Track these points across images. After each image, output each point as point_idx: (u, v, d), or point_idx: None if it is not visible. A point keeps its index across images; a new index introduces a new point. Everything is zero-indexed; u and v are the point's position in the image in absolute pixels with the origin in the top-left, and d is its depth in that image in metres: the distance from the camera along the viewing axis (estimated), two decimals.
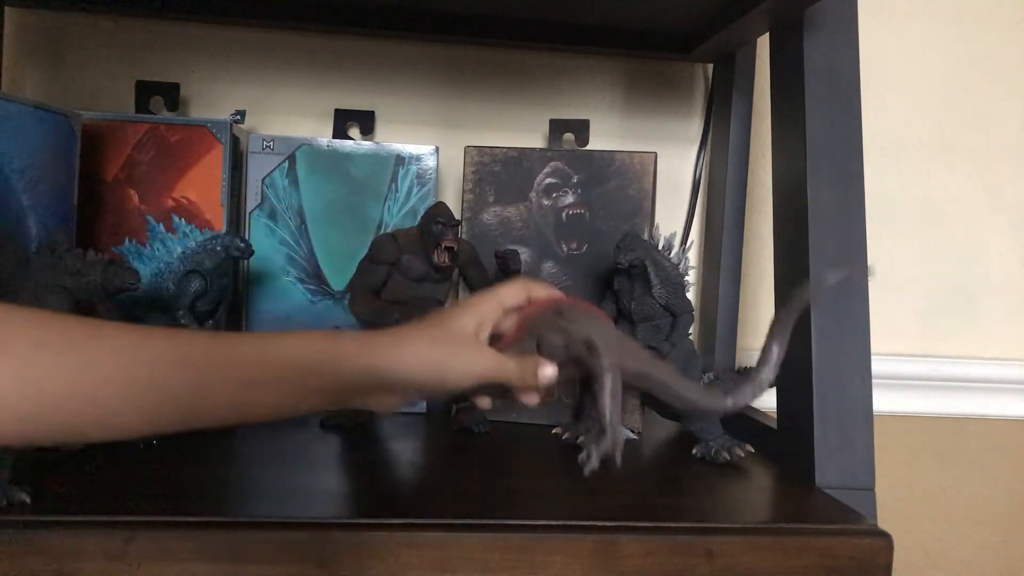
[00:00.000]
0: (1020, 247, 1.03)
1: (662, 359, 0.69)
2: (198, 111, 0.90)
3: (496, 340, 0.55)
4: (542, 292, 0.55)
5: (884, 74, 1.00)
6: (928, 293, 1.02)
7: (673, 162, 0.96)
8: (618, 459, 0.49)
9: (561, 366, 0.54)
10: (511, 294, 0.54)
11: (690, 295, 0.71)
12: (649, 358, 0.56)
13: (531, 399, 0.53)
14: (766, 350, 0.56)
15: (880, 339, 0.96)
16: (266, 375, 0.43)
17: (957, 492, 1.03)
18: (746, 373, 0.75)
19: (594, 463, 0.49)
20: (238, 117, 0.80)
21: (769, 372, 0.55)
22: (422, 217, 0.76)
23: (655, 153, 0.84)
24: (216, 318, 0.71)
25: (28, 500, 0.48)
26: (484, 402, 0.54)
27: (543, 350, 0.54)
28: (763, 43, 0.86)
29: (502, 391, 0.53)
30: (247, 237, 0.80)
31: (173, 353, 0.41)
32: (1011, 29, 1.01)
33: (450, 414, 0.81)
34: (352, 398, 0.47)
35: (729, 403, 0.55)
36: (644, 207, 0.83)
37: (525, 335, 0.55)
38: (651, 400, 0.71)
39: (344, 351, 0.45)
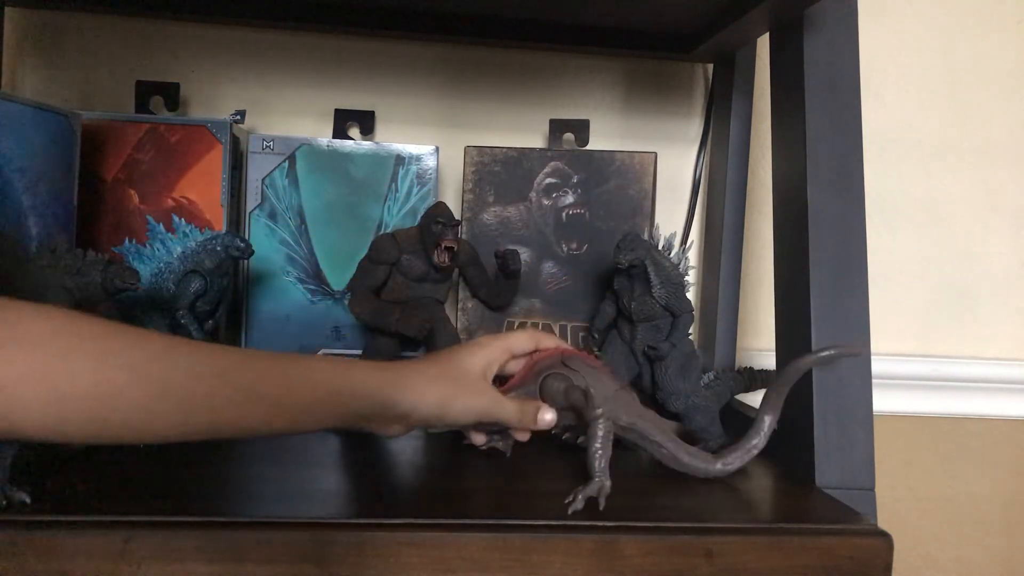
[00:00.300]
0: (1020, 247, 1.03)
1: (662, 359, 0.70)
2: (198, 111, 0.90)
3: (503, 380, 0.60)
4: (550, 342, 0.60)
5: (884, 74, 1.00)
6: (928, 293, 1.02)
7: (673, 162, 0.96)
8: (601, 504, 0.54)
9: (559, 411, 0.60)
10: (520, 341, 0.59)
11: (690, 295, 0.71)
12: (645, 414, 0.60)
13: (523, 437, 0.59)
14: (759, 419, 0.61)
15: (880, 339, 0.96)
16: (293, 397, 0.46)
17: (957, 492, 1.03)
18: (746, 373, 0.75)
19: (578, 505, 0.53)
20: (238, 117, 0.80)
21: (760, 440, 0.62)
22: (422, 217, 0.76)
23: (655, 153, 0.84)
24: (216, 318, 0.71)
25: (28, 500, 0.48)
26: (479, 438, 0.60)
27: (544, 393, 0.60)
28: (763, 43, 0.86)
29: (500, 428, 0.59)
30: (247, 237, 0.80)
31: (210, 364, 0.44)
32: (1011, 29, 1.01)
33: None
34: (362, 423, 0.51)
35: (719, 467, 0.61)
36: (644, 207, 0.83)
37: (530, 378, 0.61)
38: (651, 399, 0.71)
39: (363, 382, 0.50)
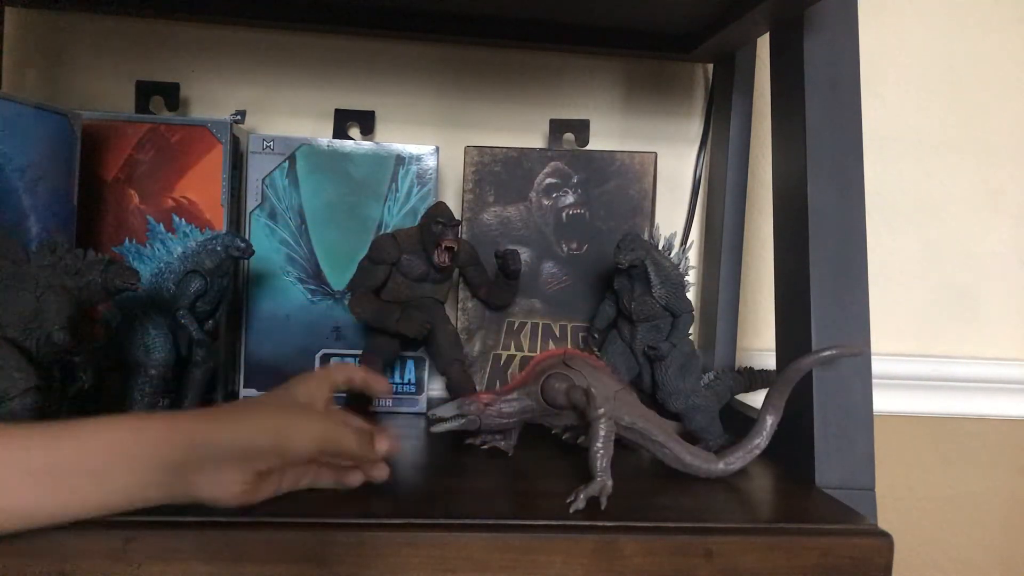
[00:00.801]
0: (1020, 247, 1.03)
1: (662, 359, 0.70)
2: (198, 111, 0.90)
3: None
4: (359, 374, 0.58)
5: (884, 73, 1.00)
6: (928, 293, 1.02)
7: (673, 162, 0.96)
8: (603, 503, 0.54)
9: (560, 410, 0.60)
10: (339, 373, 0.56)
11: (690, 295, 0.71)
12: (647, 414, 0.60)
13: (355, 479, 0.54)
14: (761, 419, 0.61)
15: (880, 339, 0.96)
16: (83, 462, 0.41)
17: (957, 492, 1.03)
18: (746, 373, 0.75)
19: (580, 504, 0.53)
20: (238, 117, 0.80)
21: (762, 440, 0.62)
22: (422, 217, 0.76)
23: (655, 153, 0.84)
24: (216, 318, 0.71)
25: None
26: (324, 475, 0.54)
27: (545, 393, 0.59)
28: (763, 43, 0.86)
29: (340, 459, 0.53)
30: (247, 237, 0.80)
31: None
32: (1011, 28, 1.01)
33: None
34: (189, 482, 0.45)
35: (721, 467, 0.61)
36: (644, 207, 0.83)
37: (532, 378, 0.60)
38: (651, 398, 0.71)
39: (172, 426, 0.44)
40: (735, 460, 0.61)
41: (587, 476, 0.55)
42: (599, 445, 0.56)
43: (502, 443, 0.67)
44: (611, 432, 0.57)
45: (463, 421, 0.60)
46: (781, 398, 0.62)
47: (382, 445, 0.53)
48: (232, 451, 0.45)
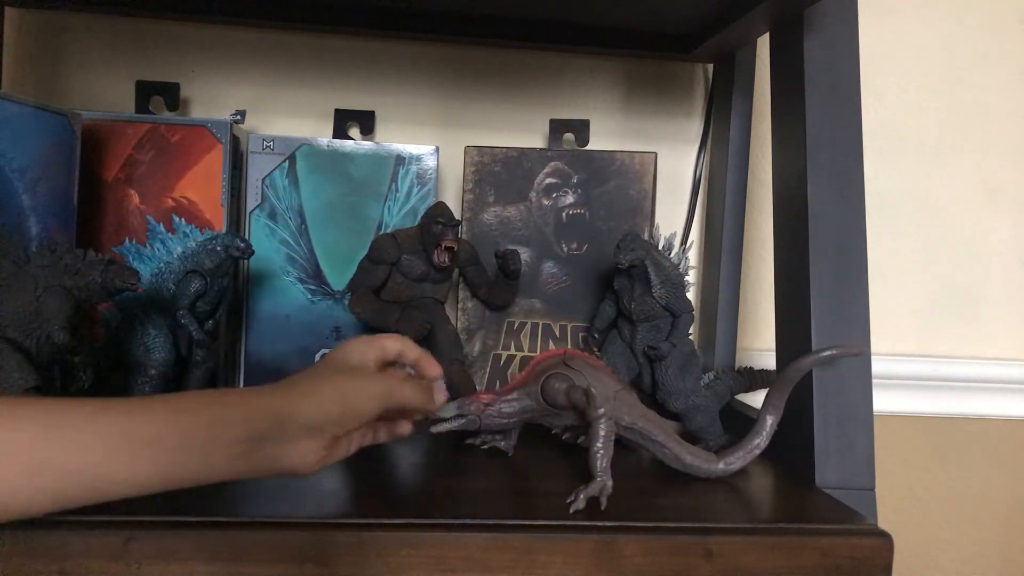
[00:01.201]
0: (1020, 246, 1.03)
1: (662, 359, 0.70)
2: (198, 111, 0.90)
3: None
4: (413, 352, 0.57)
5: (884, 74, 1.00)
6: (928, 293, 1.02)
7: (673, 162, 0.96)
8: (603, 503, 0.54)
9: (561, 410, 0.60)
10: (391, 343, 0.55)
11: (690, 295, 0.72)
12: (647, 414, 0.60)
13: (405, 429, 0.56)
14: (761, 419, 0.62)
15: (880, 339, 0.96)
16: (170, 436, 0.42)
17: (957, 492, 1.03)
18: (746, 373, 0.75)
19: (580, 504, 0.53)
20: (238, 117, 0.80)
21: (763, 440, 0.62)
22: (422, 217, 0.76)
23: (655, 153, 0.84)
24: (216, 318, 0.71)
25: None
26: (381, 432, 0.55)
27: (545, 392, 0.60)
28: (763, 43, 0.86)
29: (404, 414, 0.55)
30: (247, 237, 0.80)
31: (70, 418, 0.40)
32: (1012, 28, 1.01)
33: None
34: (265, 453, 0.45)
35: (721, 467, 0.61)
36: (644, 207, 0.83)
37: (532, 378, 0.60)
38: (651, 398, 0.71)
39: (247, 401, 0.45)
40: (735, 460, 0.61)
41: (587, 476, 0.55)
42: (599, 445, 0.56)
43: (502, 443, 0.67)
44: (611, 432, 0.57)
45: (463, 421, 0.60)
46: (781, 398, 0.62)
47: (439, 396, 0.55)
48: (310, 423, 0.46)
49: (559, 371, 0.60)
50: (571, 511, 0.53)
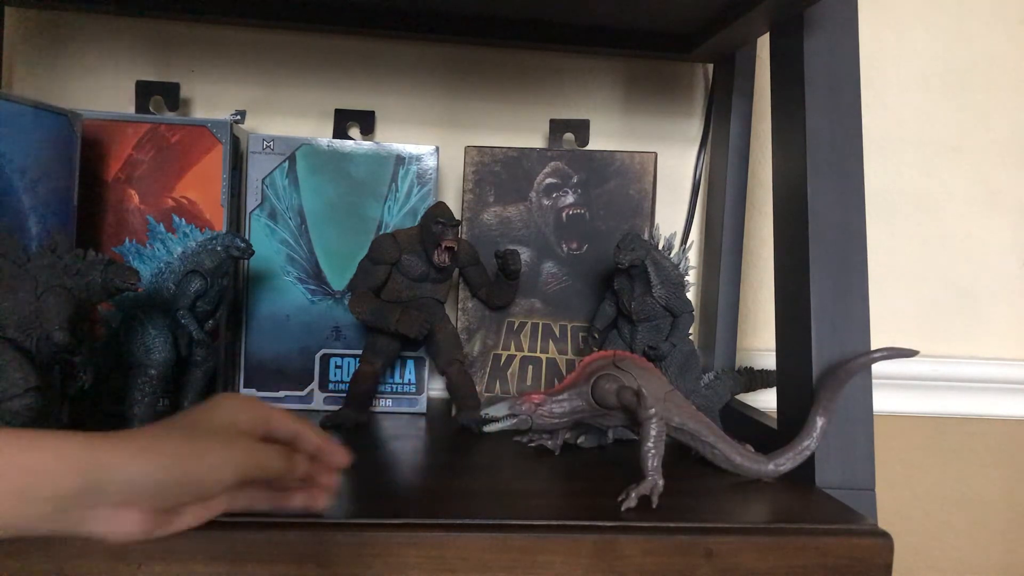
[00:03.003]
0: (1021, 247, 1.03)
1: (662, 359, 0.70)
2: (198, 111, 0.90)
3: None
4: (314, 440, 0.46)
5: (884, 74, 1.00)
6: (928, 293, 1.02)
7: (673, 162, 0.96)
8: (654, 502, 0.55)
9: (609, 411, 0.60)
10: (278, 417, 0.45)
11: (690, 295, 0.72)
12: (697, 416, 0.61)
13: (295, 503, 0.46)
14: (811, 421, 0.61)
15: (880, 339, 0.96)
16: None
17: (957, 492, 1.03)
18: (746, 373, 0.76)
19: (631, 503, 0.54)
20: (238, 117, 0.80)
21: (812, 441, 0.62)
22: (422, 217, 0.76)
23: (655, 153, 0.84)
24: (216, 318, 0.71)
25: None
26: (260, 499, 0.45)
27: (596, 393, 0.60)
28: (763, 43, 0.86)
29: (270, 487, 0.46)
30: (247, 237, 0.80)
31: None
32: (1012, 28, 1.01)
33: (450, 414, 0.81)
34: (85, 514, 0.37)
35: (771, 468, 0.62)
36: (644, 207, 0.83)
37: (582, 379, 0.61)
38: None
39: (56, 448, 0.36)
40: (785, 461, 0.62)
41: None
42: (650, 444, 0.56)
43: (549, 442, 0.67)
44: (662, 432, 0.57)
45: (515, 421, 0.60)
46: (832, 399, 0.62)
47: (336, 459, 0.46)
48: (130, 487, 0.38)
49: (609, 372, 0.60)
50: (622, 509, 0.53)
